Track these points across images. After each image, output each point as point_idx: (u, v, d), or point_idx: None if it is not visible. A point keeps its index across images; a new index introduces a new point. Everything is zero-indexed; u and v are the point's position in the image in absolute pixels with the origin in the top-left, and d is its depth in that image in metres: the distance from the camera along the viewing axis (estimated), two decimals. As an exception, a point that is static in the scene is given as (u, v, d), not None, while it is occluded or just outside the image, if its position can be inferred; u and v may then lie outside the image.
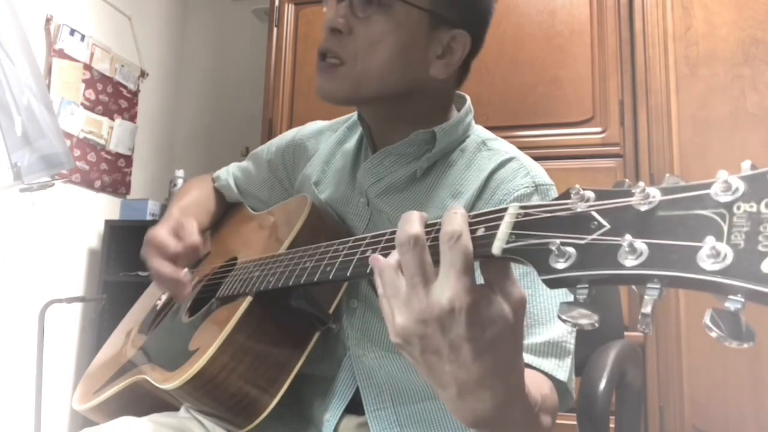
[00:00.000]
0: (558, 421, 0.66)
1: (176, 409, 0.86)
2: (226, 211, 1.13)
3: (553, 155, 1.94)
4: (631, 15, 2.00)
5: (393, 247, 0.50)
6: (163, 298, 1.04)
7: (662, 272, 0.36)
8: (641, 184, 0.39)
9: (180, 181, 2.60)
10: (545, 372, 0.68)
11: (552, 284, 0.41)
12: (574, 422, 0.90)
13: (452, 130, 0.85)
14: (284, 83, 2.35)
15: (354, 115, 0.99)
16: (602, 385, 0.88)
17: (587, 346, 0.95)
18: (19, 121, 2.17)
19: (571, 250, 0.40)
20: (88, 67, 2.49)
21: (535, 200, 0.77)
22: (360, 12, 0.77)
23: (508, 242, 0.44)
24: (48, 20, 2.32)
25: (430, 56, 0.80)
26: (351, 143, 0.95)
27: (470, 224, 0.47)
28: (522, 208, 0.46)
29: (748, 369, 1.74)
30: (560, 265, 0.40)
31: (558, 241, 0.41)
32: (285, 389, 0.73)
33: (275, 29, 2.40)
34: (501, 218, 0.46)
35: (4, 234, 2.16)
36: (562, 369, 0.68)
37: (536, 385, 0.58)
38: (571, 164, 1.94)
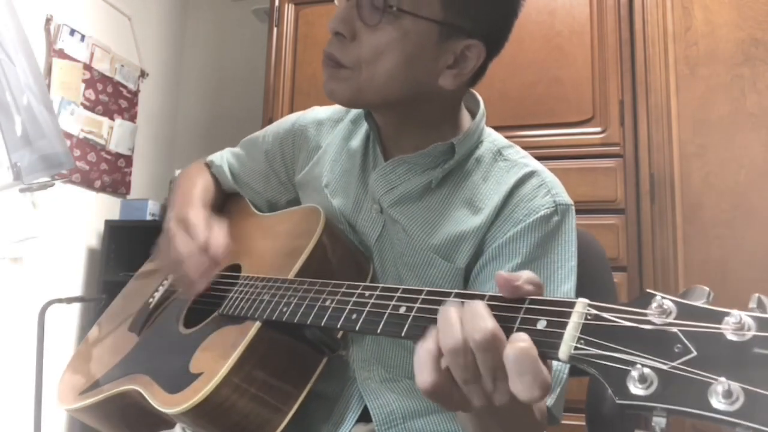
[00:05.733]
0: (566, 422, 0.70)
1: (169, 426, 0.83)
2: (224, 201, 1.08)
3: (553, 155, 1.94)
4: (631, 15, 2.00)
5: (429, 309, 0.51)
6: (157, 296, 0.97)
7: (758, 426, 0.33)
8: (735, 313, 0.36)
9: (180, 181, 2.60)
10: None
11: (628, 410, 0.38)
12: (583, 423, 0.90)
13: (469, 139, 0.82)
14: (284, 83, 2.35)
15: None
16: None
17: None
18: (19, 121, 2.17)
19: (651, 374, 0.37)
20: (88, 67, 2.49)
21: (555, 221, 0.77)
22: (367, 18, 0.73)
23: (576, 348, 0.42)
24: (48, 20, 2.32)
25: (440, 66, 0.76)
26: (357, 141, 0.91)
27: (530, 310, 0.46)
28: (590, 306, 0.43)
29: (748, 369, 1.73)
30: (639, 391, 0.37)
31: (640, 364, 0.38)
32: (290, 417, 0.71)
33: (275, 29, 2.40)
34: (567, 315, 0.44)
35: (5, 234, 2.16)
36: (550, 396, 0.71)
37: None
38: (571, 164, 1.94)
